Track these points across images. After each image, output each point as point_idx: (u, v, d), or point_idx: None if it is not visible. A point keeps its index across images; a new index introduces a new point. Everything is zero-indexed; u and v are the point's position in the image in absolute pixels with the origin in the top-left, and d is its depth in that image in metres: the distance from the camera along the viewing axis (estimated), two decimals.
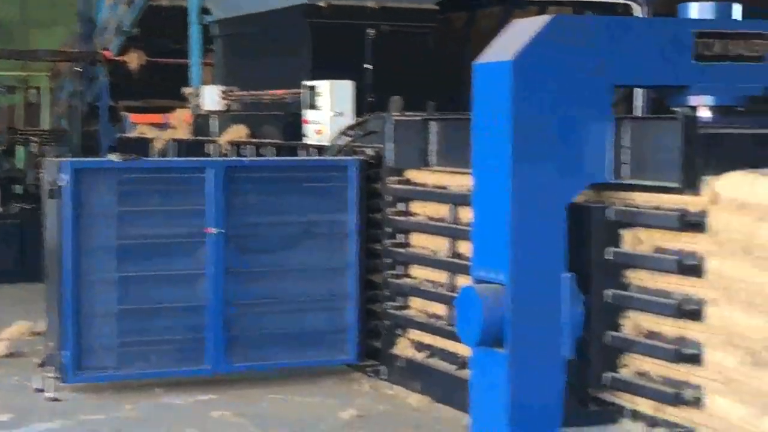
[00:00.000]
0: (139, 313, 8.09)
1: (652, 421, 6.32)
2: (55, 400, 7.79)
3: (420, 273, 8.22)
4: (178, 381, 8.15)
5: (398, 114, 8.40)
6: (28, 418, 7.41)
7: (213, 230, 8.14)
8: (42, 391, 7.92)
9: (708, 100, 6.68)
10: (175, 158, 10.98)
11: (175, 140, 11.48)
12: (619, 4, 9.61)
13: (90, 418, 7.44)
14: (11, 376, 8.42)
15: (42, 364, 8.30)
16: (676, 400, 6.12)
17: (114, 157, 8.59)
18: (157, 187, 8.22)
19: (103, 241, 8.00)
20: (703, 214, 5.98)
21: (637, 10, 9.38)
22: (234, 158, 9.94)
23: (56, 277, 7.98)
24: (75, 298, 7.88)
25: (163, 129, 11.92)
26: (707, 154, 6.10)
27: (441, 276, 7.85)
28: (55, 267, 8.03)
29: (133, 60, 13.91)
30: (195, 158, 9.94)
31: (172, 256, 8.17)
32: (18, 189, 13.66)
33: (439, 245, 7.95)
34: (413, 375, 8.09)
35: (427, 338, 8.04)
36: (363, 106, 9.44)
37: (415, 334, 8.23)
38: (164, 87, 13.08)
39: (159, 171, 8.65)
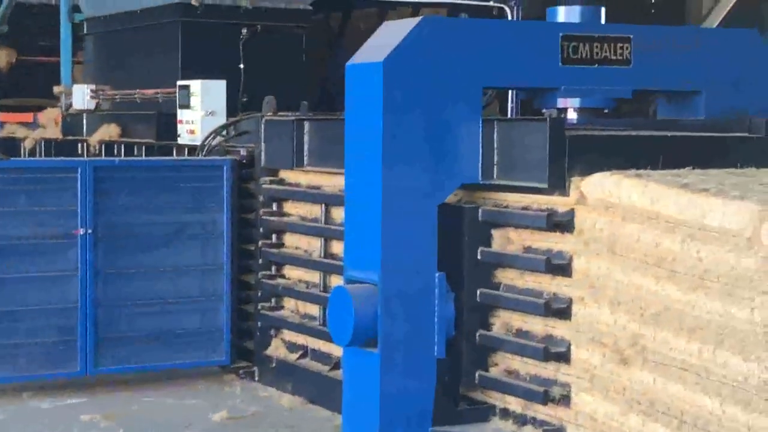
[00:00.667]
0: (7, 316, 7.98)
1: (522, 419, 6.37)
2: None
3: (294, 273, 8.25)
4: (48, 384, 8.11)
5: (271, 114, 8.43)
6: None
7: (81, 231, 8.06)
8: None
9: (576, 102, 6.82)
10: (44, 158, 10.86)
11: (45, 139, 11.39)
12: (493, 7, 9.68)
13: None
14: None
15: None
16: (545, 398, 6.17)
17: None
18: (25, 187, 8.11)
19: None
20: (570, 214, 6.06)
21: (510, 14, 9.40)
22: (104, 158, 9.87)
23: None
24: None
25: (32, 128, 11.82)
26: (574, 156, 6.14)
27: (314, 276, 7.88)
28: None
29: (2, 58, 13.78)
30: (64, 158, 9.86)
31: (41, 257, 8.07)
32: None
33: (312, 245, 7.98)
34: (286, 376, 8.09)
35: (300, 339, 8.08)
36: (236, 106, 9.48)
37: (289, 335, 8.26)
38: (34, 85, 13.01)
39: (27, 171, 8.52)
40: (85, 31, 12.25)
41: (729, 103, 6.88)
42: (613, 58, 6.75)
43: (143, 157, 9.77)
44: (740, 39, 7.18)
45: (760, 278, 5.06)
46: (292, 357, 8.11)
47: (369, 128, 6.38)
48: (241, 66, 9.83)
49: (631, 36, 6.82)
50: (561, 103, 6.78)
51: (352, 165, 6.63)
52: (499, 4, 9.77)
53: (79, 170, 8.17)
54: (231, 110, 9.30)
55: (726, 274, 5.22)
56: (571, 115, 6.86)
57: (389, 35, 6.44)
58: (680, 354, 5.46)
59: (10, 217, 8.02)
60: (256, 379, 8.40)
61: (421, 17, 6.47)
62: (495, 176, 6.53)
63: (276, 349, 8.32)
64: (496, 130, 6.50)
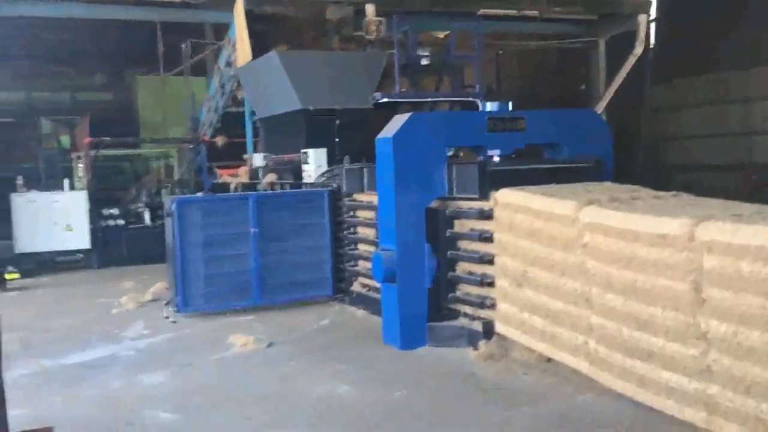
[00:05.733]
0: (215, 276, 8.11)
1: (473, 317, 6.49)
2: (174, 322, 7.92)
3: (362, 247, 8.28)
4: (238, 310, 8.20)
5: (348, 165, 8.49)
6: (160, 331, 7.56)
7: (252, 230, 8.22)
8: (167, 318, 8.07)
9: (497, 151, 6.84)
10: (233, 193, 10.75)
11: (240, 183, 11.39)
12: (471, 101, 9.68)
13: (190, 330, 7.57)
14: (152, 310, 8.50)
15: (167, 303, 8.42)
16: (483, 306, 6.36)
17: (199, 194, 8.88)
18: (222, 208, 8.24)
19: (194, 238, 8.03)
20: (491, 211, 6.21)
21: (478, 105, 9.39)
22: (264, 192, 9.75)
23: (173, 259, 8.07)
24: (182, 269, 7.98)
25: (235, 177, 11.78)
26: (491, 181, 6.30)
27: (371, 248, 7.86)
28: (172, 254, 8.11)
29: (220, 140, 13.88)
30: (245, 193, 9.79)
31: (232, 244, 8.15)
32: (160, 213, 13.51)
33: (369, 233, 8.07)
34: (361, 301, 8.15)
35: (366, 281, 8.13)
36: (332, 161, 9.36)
37: (361, 279, 8.28)
38: (236, 154, 12.98)
39: (223, 200, 8.74)
40: (258, 125, 12.27)
41: (580, 149, 6.83)
42: (515, 128, 6.80)
43: (286, 190, 9.63)
44: (586, 114, 7.28)
45: (578, 239, 5.23)
46: (363, 290, 8.16)
47: (388, 170, 6.55)
48: (336, 140, 9.78)
49: (525, 117, 6.85)
50: (489, 152, 6.82)
51: (381, 190, 6.76)
52: (471, 99, 9.77)
53: (251, 199, 8.31)
54: (330, 163, 9.29)
55: (564, 238, 5.36)
56: (496, 158, 6.84)
57: (396, 123, 6.62)
58: (544, 280, 5.59)
59: (216, 225, 8.09)
60: (346, 303, 8.43)
61: (410, 113, 6.63)
62: (454, 192, 6.56)
63: (356, 287, 8.36)
64: (454, 168, 6.57)
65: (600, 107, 12.00)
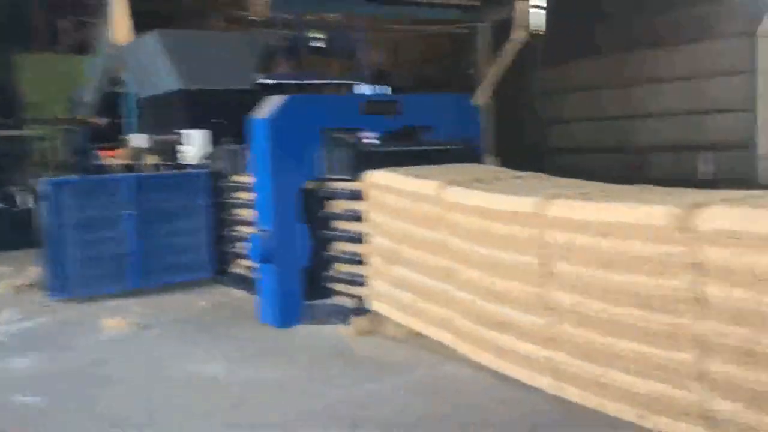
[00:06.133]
0: (91, 260, 7.98)
1: (347, 295, 6.67)
2: (46, 306, 7.79)
3: (242, 229, 8.19)
4: (115, 294, 8.06)
5: (228, 146, 8.46)
6: (33, 315, 7.44)
7: (129, 212, 8.10)
8: (41, 303, 7.90)
9: (370, 134, 6.97)
10: (109, 174, 10.51)
11: (121, 164, 11.03)
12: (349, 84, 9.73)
13: (65, 315, 7.48)
14: (28, 295, 8.32)
15: (42, 288, 8.20)
16: (356, 282, 6.56)
17: (73, 176, 8.65)
18: (98, 190, 8.07)
19: (69, 221, 7.88)
20: (363, 191, 6.35)
21: (359, 87, 9.46)
22: (143, 173, 9.63)
23: (47, 243, 7.88)
24: (57, 253, 7.84)
25: (116, 158, 11.47)
26: (366, 161, 6.47)
27: (251, 229, 7.60)
28: (46, 237, 7.90)
29: (100, 121, 13.53)
30: (121, 173, 9.60)
31: (109, 227, 8.02)
32: None
33: (248, 214, 7.94)
34: (240, 282, 8.16)
35: (246, 262, 7.93)
36: (215, 142, 9.16)
37: (242, 261, 8.19)
38: (117, 135, 12.64)
39: (99, 182, 8.54)
40: (140, 105, 12.05)
41: (452, 132, 7.04)
42: (391, 110, 6.99)
43: (165, 172, 9.50)
44: (458, 99, 7.45)
45: (444, 215, 5.48)
46: (244, 271, 8.11)
47: (263, 152, 6.63)
48: (218, 121, 9.52)
49: (399, 100, 7.08)
50: (363, 135, 6.92)
51: (257, 171, 6.82)
52: (355, 82, 9.74)
53: (128, 180, 8.24)
54: (212, 145, 9.14)
55: (430, 217, 5.61)
56: (369, 140, 6.91)
57: (271, 103, 6.70)
58: (413, 257, 5.84)
59: (90, 207, 7.92)
60: (227, 285, 8.39)
61: (287, 95, 6.70)
62: (328, 173, 6.67)
63: (236, 268, 8.32)
64: (328, 150, 6.68)
65: (484, 91, 12.36)
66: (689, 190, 4.65)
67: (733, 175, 11.84)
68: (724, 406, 3.81)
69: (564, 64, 15.58)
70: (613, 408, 4.35)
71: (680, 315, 3.96)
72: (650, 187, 4.96)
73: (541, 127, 16.27)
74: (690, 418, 3.98)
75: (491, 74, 12.35)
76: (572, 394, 4.60)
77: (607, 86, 15.07)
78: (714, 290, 3.78)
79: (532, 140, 16.19)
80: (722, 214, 3.76)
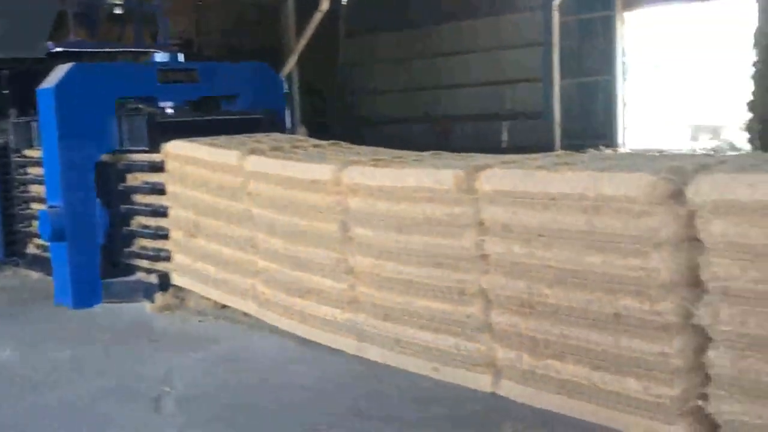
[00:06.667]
0: None
1: (150, 271, 6.55)
2: None
3: (35, 206, 7.75)
4: None
5: (15, 118, 8.02)
6: None
7: None
8: None
9: (169, 103, 6.95)
10: None
11: None
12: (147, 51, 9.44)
13: None
14: None
15: None
16: (159, 257, 6.47)
17: None
18: None
19: None
20: (162, 163, 6.27)
21: (158, 56, 9.23)
22: None
23: None
24: None
25: None
26: (164, 132, 6.37)
27: (42, 206, 7.14)
28: None
29: None
30: None
31: None
32: None
33: (41, 190, 7.45)
34: (36, 263, 7.82)
35: (38, 242, 7.66)
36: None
37: (36, 240, 7.80)
38: None
39: None
40: None
41: (254, 102, 7.07)
42: (187, 79, 6.92)
43: None
44: (258, 68, 7.49)
45: (245, 185, 5.52)
46: (39, 252, 7.79)
47: (50, 124, 6.39)
48: (4, 92, 8.85)
49: (197, 68, 7.03)
50: (162, 104, 6.85)
51: (45, 145, 6.58)
52: (153, 50, 9.48)
53: None
54: None
55: (231, 187, 5.62)
56: (170, 110, 6.88)
57: (59, 72, 6.45)
58: (215, 228, 5.86)
59: None
60: (21, 266, 8.07)
61: (73, 63, 6.50)
62: (125, 145, 6.54)
63: (30, 249, 7.98)
64: (123, 120, 6.53)
65: (290, 61, 12.43)
66: (478, 155, 4.97)
67: (533, 142, 12.64)
68: (508, 354, 4.14)
69: (374, 35, 15.92)
70: (411, 364, 4.61)
71: (467, 272, 4.25)
72: (442, 153, 5.23)
73: (351, 98, 16.57)
74: (479, 368, 4.29)
75: (299, 45, 12.44)
76: (374, 354, 4.82)
77: (415, 57, 15.59)
78: (494, 247, 4.08)
79: (342, 111, 16.47)
80: (500, 175, 4.06)
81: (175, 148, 6.23)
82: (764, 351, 3.08)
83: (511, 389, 4.13)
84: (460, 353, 4.36)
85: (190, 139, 6.21)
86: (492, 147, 12.15)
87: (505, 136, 13.81)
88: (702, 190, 3.19)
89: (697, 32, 12.12)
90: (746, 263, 3.07)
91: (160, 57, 7.73)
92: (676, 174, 3.36)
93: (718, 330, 3.21)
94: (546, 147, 12.00)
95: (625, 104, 12.76)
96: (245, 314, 5.76)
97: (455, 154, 5.11)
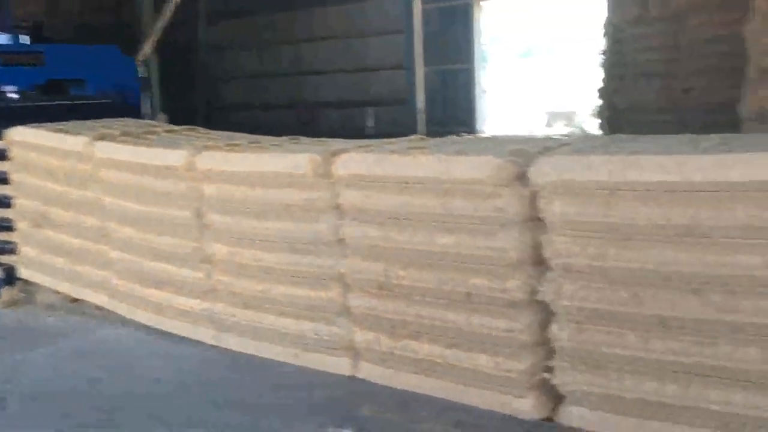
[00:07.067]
0: None
1: None
2: None
3: None
4: None
5: None
6: None
7: None
8: None
9: (13, 87, 6.66)
10: None
11: None
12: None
13: None
14: None
15: None
16: (5, 250, 6.15)
17: None
18: None
19: None
20: (5, 150, 6.01)
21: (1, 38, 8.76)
22: None
23: None
24: None
25: None
26: (7, 117, 6.10)
27: None
28: None
29: None
30: None
31: None
32: None
33: None
34: None
35: None
36: None
37: None
38: None
39: None
40: None
41: (105, 86, 6.96)
42: (33, 62, 6.74)
43: None
44: (108, 51, 7.32)
45: (94, 172, 5.29)
46: None
47: None
48: None
49: (44, 51, 6.87)
50: (4, 88, 6.56)
51: None
52: None
53: None
54: None
55: (79, 175, 5.39)
56: (11, 94, 6.61)
57: None
58: (64, 219, 5.61)
59: None
60: None
61: None
62: None
63: None
64: None
65: (147, 45, 12.06)
66: (336, 141, 4.99)
67: (396, 128, 12.79)
68: (366, 336, 4.20)
69: (237, 20, 15.68)
70: (271, 351, 4.59)
71: (325, 256, 4.27)
72: (300, 138, 5.22)
73: (213, 83, 16.28)
74: (338, 352, 4.33)
75: (156, 28, 12.08)
76: (232, 343, 4.78)
77: (279, 43, 15.47)
78: (351, 231, 4.12)
79: (203, 97, 16.16)
80: (355, 159, 4.10)
81: (19, 135, 5.94)
82: (601, 323, 3.27)
83: (370, 371, 4.19)
84: (320, 338, 4.38)
85: (34, 125, 5.92)
86: (358, 133, 12.25)
87: (371, 122, 13.93)
88: (543, 172, 3.34)
89: (559, 17, 12.52)
90: (584, 240, 3.25)
91: (3, 39, 7.34)
92: (521, 156, 3.50)
93: (560, 305, 3.38)
94: (410, 133, 12.20)
95: (484, 92, 13.12)
96: (98, 307, 5.58)
97: (313, 139, 5.12)
